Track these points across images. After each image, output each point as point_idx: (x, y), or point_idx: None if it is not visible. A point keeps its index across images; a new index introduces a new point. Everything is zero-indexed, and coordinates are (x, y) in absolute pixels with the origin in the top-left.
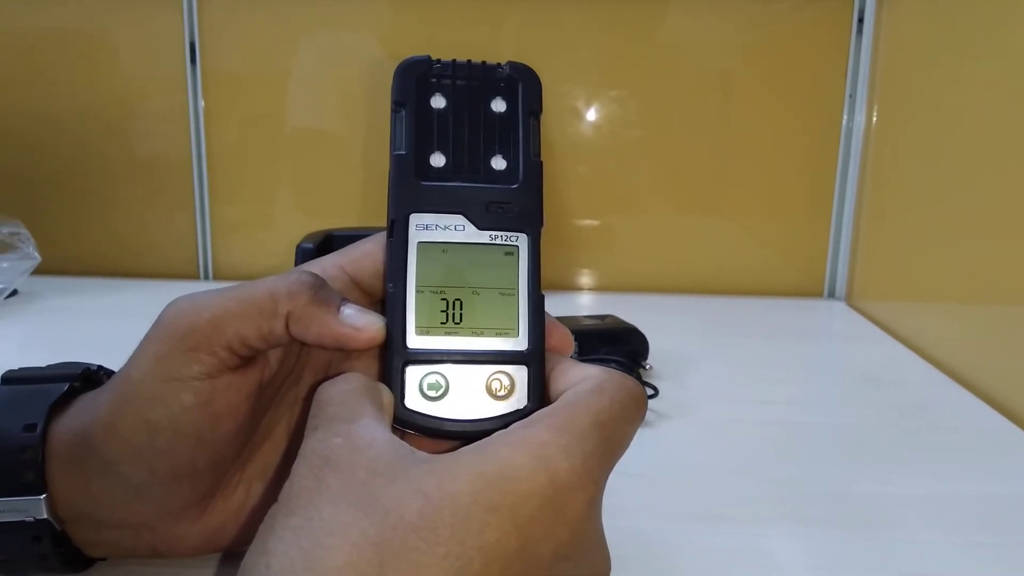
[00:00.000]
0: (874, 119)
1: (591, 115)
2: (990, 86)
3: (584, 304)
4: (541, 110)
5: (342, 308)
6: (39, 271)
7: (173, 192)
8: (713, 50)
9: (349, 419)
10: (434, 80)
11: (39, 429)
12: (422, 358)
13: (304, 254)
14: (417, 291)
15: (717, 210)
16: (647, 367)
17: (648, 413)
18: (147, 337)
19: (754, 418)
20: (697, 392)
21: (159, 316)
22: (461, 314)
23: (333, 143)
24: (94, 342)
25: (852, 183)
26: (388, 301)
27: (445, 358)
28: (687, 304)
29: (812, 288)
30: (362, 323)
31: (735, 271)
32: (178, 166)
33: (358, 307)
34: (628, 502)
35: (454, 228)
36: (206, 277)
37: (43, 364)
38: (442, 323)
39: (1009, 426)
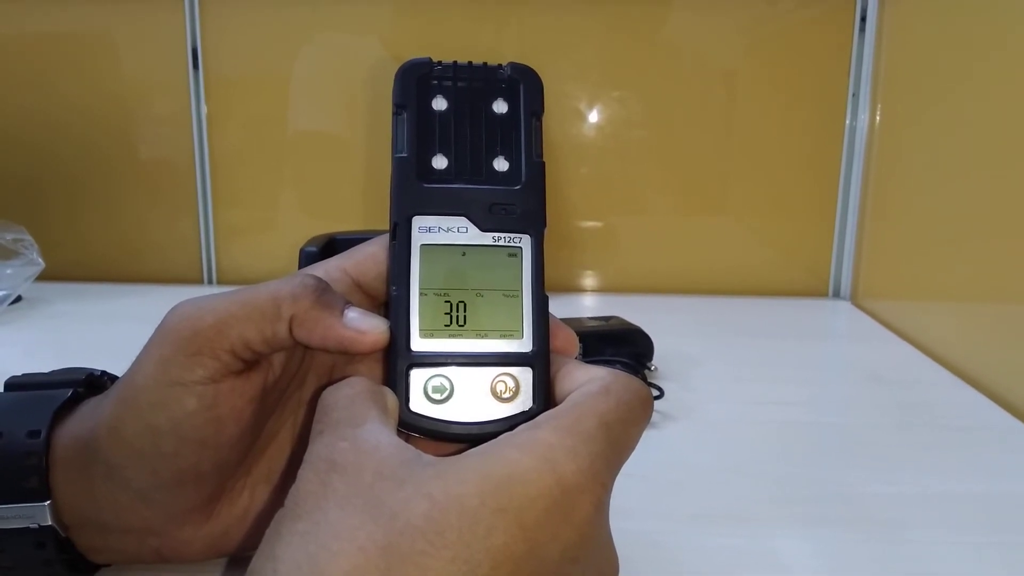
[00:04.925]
0: (877, 118)
1: (594, 116)
2: (993, 84)
3: (588, 305)
4: (543, 111)
5: (345, 311)
6: (43, 277)
7: (176, 197)
8: (716, 50)
9: (354, 423)
10: (435, 82)
11: (43, 435)
12: (426, 361)
13: (307, 257)
14: (420, 294)
15: (721, 210)
16: (652, 368)
17: (653, 414)
18: (150, 342)
19: (760, 418)
20: (702, 393)
21: (162, 321)
22: (465, 316)
23: (336, 146)
24: (98, 347)
25: (856, 182)
26: (391, 304)
27: (449, 360)
28: (692, 305)
29: (817, 288)
30: (366, 326)
31: (739, 271)
32: (181, 170)
33: (361, 310)
34: (634, 504)
35: (457, 230)
36: (210, 281)
37: (47, 370)
38: (446, 325)
39: (1017, 424)
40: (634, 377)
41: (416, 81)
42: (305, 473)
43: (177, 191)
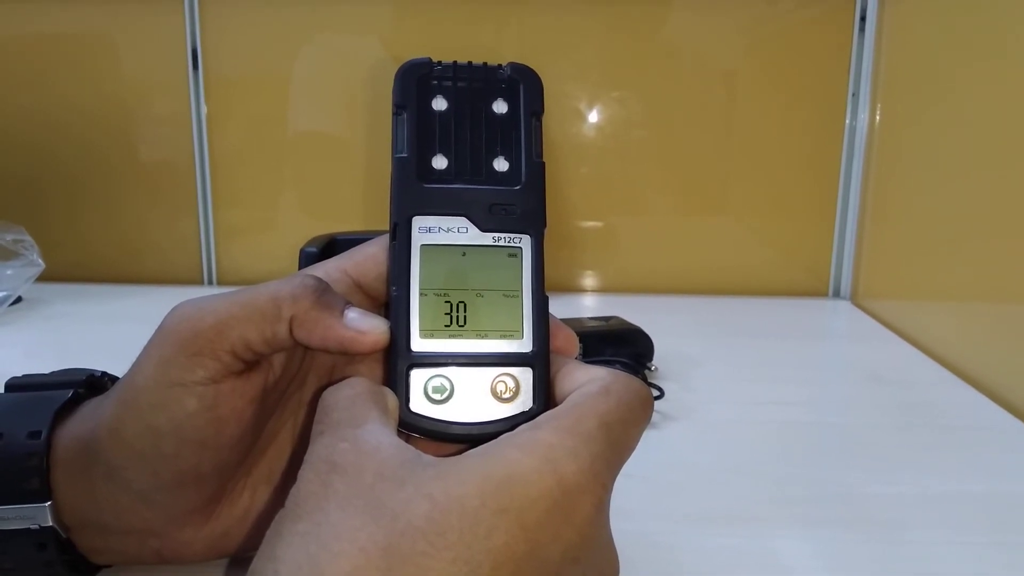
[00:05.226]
0: (877, 118)
1: (594, 116)
2: (993, 84)
3: (588, 306)
4: (543, 111)
5: (346, 312)
6: (43, 278)
7: (176, 197)
8: (716, 50)
9: (355, 424)
10: (435, 82)
11: (44, 436)
12: (426, 361)
13: (307, 258)
14: (420, 294)
15: (721, 210)
16: (652, 368)
17: (654, 415)
18: (151, 343)
19: (760, 418)
20: (703, 393)
21: (162, 321)
22: (465, 316)
23: (336, 146)
24: (98, 348)
25: (856, 182)
26: (392, 304)
27: (449, 361)
28: (692, 305)
29: (817, 288)
30: (366, 327)
31: (740, 271)
32: (181, 171)
33: (362, 311)
34: (635, 504)
35: (457, 230)
36: (210, 282)
37: (48, 371)
38: (446, 326)
39: (1017, 424)
40: (634, 377)
41: (416, 81)
42: (306, 474)
43: (177, 191)
